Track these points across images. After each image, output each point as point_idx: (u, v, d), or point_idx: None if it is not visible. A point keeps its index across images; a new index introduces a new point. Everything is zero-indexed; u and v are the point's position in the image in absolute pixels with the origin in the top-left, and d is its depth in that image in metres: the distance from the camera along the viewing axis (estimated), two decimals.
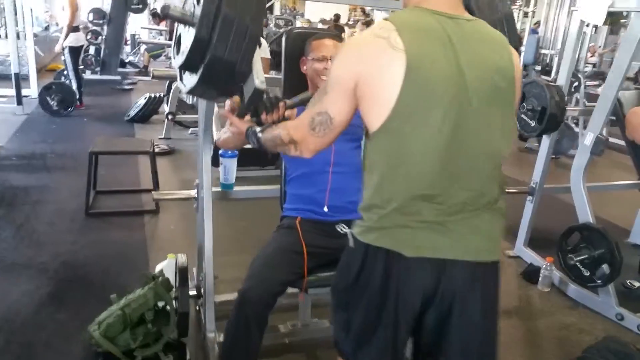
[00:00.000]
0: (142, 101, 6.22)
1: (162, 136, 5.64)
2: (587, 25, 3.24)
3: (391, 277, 1.23)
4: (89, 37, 7.19)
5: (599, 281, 2.76)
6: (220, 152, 2.44)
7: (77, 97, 6.54)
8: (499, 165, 1.27)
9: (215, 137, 2.38)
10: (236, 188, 2.53)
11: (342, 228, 1.47)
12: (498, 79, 1.21)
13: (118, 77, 8.49)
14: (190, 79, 1.49)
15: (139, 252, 3.15)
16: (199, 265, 2.51)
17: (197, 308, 2.55)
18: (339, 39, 2.12)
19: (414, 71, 1.13)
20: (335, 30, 5.63)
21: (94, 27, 8.27)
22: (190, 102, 6.44)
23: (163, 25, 9.75)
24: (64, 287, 2.72)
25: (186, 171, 4.71)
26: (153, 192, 2.52)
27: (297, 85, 2.16)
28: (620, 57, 2.63)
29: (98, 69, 8.39)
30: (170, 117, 5.51)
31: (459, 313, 1.24)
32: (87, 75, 7.26)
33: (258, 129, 1.54)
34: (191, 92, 1.52)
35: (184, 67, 1.50)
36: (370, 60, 1.16)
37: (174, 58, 1.60)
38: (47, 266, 2.88)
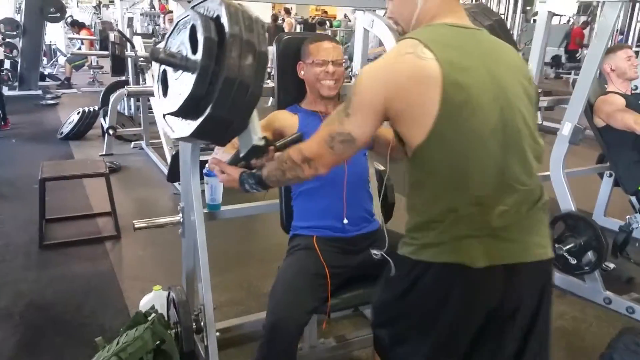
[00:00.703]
0: (75, 117, 5.79)
1: (104, 153, 5.30)
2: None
3: (453, 290, 1.21)
4: (2, 50, 6.66)
5: (587, 268, 2.82)
6: (205, 170, 2.25)
7: (1, 116, 6.00)
8: (540, 162, 1.29)
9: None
10: (223, 207, 2.35)
11: (375, 253, 1.41)
12: (523, 79, 1.27)
13: (39, 92, 7.93)
14: (181, 127, 1.40)
15: (110, 284, 2.90)
16: (188, 294, 2.30)
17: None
18: (335, 40, 2.03)
19: (449, 75, 1.13)
20: (275, 30, 5.47)
21: (8, 40, 7.70)
22: (128, 114, 6.12)
23: (84, 34, 9.19)
24: (36, 333, 2.44)
25: (138, 189, 4.45)
26: (134, 221, 2.28)
27: (292, 92, 2.06)
28: (595, 46, 2.68)
29: (16, 84, 7.85)
30: (111, 131, 5.17)
31: (523, 315, 1.26)
32: (5, 91, 6.72)
33: (253, 170, 1.50)
34: (181, 139, 1.48)
35: (182, 112, 1.38)
36: (401, 77, 1.16)
37: (159, 97, 1.48)
38: (10, 311, 2.59)
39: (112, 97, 5.24)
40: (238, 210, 2.40)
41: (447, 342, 1.26)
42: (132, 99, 5.99)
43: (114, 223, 3.53)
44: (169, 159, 4.67)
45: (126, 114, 6.15)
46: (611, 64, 2.98)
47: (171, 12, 4.70)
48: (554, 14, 2.85)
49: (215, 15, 1.33)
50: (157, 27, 9.54)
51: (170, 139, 4.79)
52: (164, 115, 1.47)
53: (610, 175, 3.53)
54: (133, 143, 5.61)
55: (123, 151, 5.47)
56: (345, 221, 1.90)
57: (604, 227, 2.97)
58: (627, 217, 3.08)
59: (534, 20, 11.30)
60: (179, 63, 1.33)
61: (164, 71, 1.44)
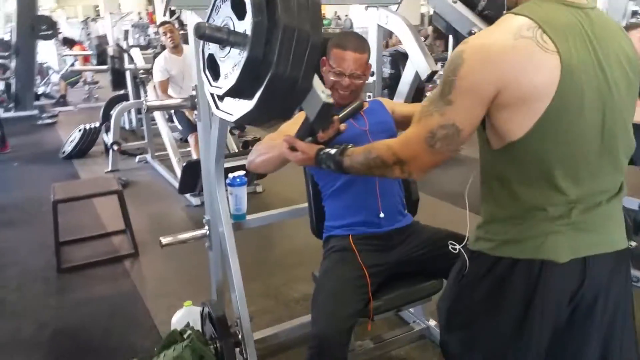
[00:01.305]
0: (76, 134, 5.74)
1: (109, 169, 5.24)
2: None
3: (538, 286, 1.15)
4: None
5: None
6: (227, 180, 2.21)
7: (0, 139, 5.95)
8: (628, 159, 1.21)
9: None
10: (249, 216, 2.30)
11: (452, 247, 1.33)
12: (629, 70, 1.15)
13: (35, 112, 7.85)
14: (240, 105, 1.30)
15: (135, 304, 2.85)
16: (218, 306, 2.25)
17: None
18: (362, 48, 1.85)
19: (568, 75, 1.04)
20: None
21: (0, 61, 7.62)
22: (130, 128, 6.07)
23: (77, 50, 9.11)
24: None
25: (149, 204, 4.39)
26: (161, 238, 2.23)
27: None
28: None
29: (12, 105, 7.77)
30: (115, 147, 5.11)
31: (603, 303, 1.20)
32: (1, 113, 6.65)
33: (333, 151, 1.41)
34: (242, 119, 1.31)
35: (232, 94, 1.29)
36: (520, 63, 1.04)
37: (210, 85, 1.38)
38: (37, 340, 2.54)
39: (114, 112, 5.19)
40: (264, 219, 2.36)
41: (532, 345, 1.21)
42: (132, 112, 5.93)
43: (130, 240, 3.48)
44: (177, 171, 4.64)
45: (127, 128, 6.08)
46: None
47: (165, 23, 4.64)
48: None
49: None
50: (147, 38, 9.45)
51: (178, 151, 4.76)
52: (219, 100, 1.37)
53: None
54: (138, 157, 5.56)
55: (129, 166, 5.42)
56: (382, 215, 1.87)
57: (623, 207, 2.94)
58: None
59: None
60: (227, 37, 1.23)
61: (210, 55, 1.35)
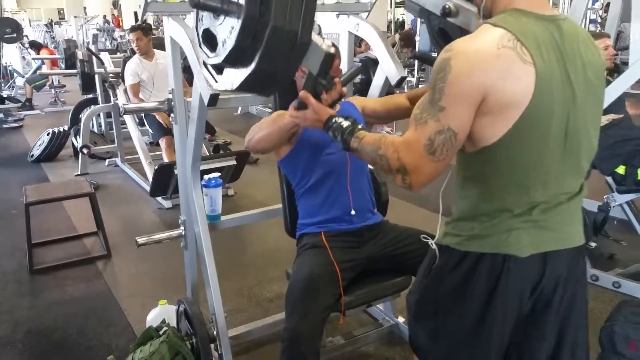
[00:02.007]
0: (45, 138, 5.67)
1: (79, 172, 5.20)
2: None
3: (500, 279, 1.23)
4: None
5: None
6: (203, 182, 2.27)
7: None
8: (589, 164, 1.30)
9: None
10: (224, 217, 2.36)
11: (424, 238, 1.41)
12: (593, 78, 1.22)
13: (0, 116, 7.70)
14: (240, 72, 1.29)
15: (109, 304, 2.87)
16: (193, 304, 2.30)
17: None
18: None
19: (541, 85, 1.11)
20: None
21: None
22: (99, 132, 6.03)
23: (44, 54, 8.96)
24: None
25: (120, 207, 4.39)
26: (137, 238, 2.27)
27: (293, 92, 2.03)
28: None
29: None
30: (85, 150, 5.08)
31: (561, 295, 1.28)
32: None
33: (345, 124, 1.38)
34: (244, 86, 1.30)
35: (231, 60, 1.28)
36: (503, 72, 1.09)
37: (208, 57, 1.36)
38: (11, 339, 2.54)
39: (84, 116, 5.16)
40: (239, 219, 2.42)
41: (494, 335, 1.29)
42: (101, 115, 5.89)
43: (102, 242, 3.49)
44: (148, 174, 4.65)
45: (97, 131, 6.04)
46: None
47: (135, 29, 4.65)
48: None
49: None
50: (116, 42, 9.37)
51: (149, 154, 4.77)
52: (218, 73, 1.39)
53: None
54: (107, 160, 5.53)
55: (98, 169, 5.39)
56: (353, 212, 1.95)
57: (584, 209, 3.10)
58: (604, 197, 3.22)
59: None
60: (221, 5, 1.24)
61: (205, 30, 1.35)
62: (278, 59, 1.25)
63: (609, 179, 3.20)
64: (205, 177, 2.30)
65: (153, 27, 10.52)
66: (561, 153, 1.19)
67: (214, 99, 1.73)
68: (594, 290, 2.89)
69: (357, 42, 4.80)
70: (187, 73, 2.12)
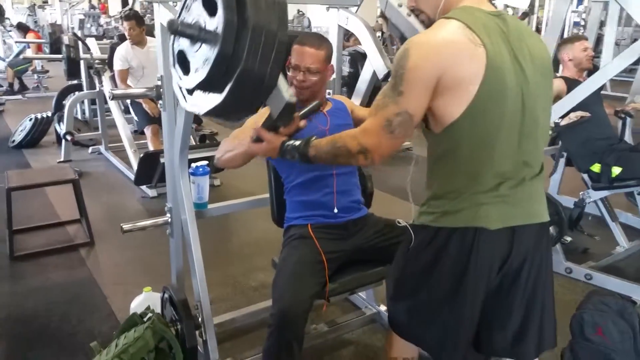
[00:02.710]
0: (27, 124, 5.60)
1: (62, 159, 5.16)
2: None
3: (472, 252, 1.33)
4: None
5: None
6: (190, 170, 2.29)
7: None
8: (546, 143, 1.41)
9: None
10: (210, 205, 2.39)
11: (399, 222, 1.50)
12: (542, 67, 1.37)
13: None
14: (209, 99, 1.36)
15: (92, 291, 2.88)
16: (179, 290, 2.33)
17: None
18: (319, 45, 1.96)
19: (491, 62, 1.24)
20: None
21: None
22: (83, 119, 5.99)
23: (31, 37, 8.81)
24: (22, 345, 2.42)
25: (104, 195, 4.37)
26: (122, 224, 2.28)
27: None
28: (547, 38, 2.88)
29: None
30: (68, 137, 5.04)
31: (528, 269, 1.39)
32: None
33: (298, 142, 1.50)
34: (211, 113, 1.38)
35: (202, 87, 1.37)
36: (454, 56, 1.23)
37: (180, 78, 1.45)
38: None
39: (68, 102, 5.11)
40: (225, 207, 2.44)
41: (467, 306, 1.37)
42: (85, 102, 5.85)
43: (86, 229, 3.49)
44: (132, 163, 4.63)
45: (80, 118, 5.98)
46: (569, 53, 3.19)
47: (129, 18, 4.60)
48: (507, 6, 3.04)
49: None
50: (102, 28, 9.26)
51: (134, 142, 4.76)
52: (188, 94, 1.44)
53: (562, 156, 3.76)
54: (91, 148, 5.49)
55: (82, 157, 5.35)
56: (336, 210, 2.00)
57: (561, 205, 3.18)
58: (580, 193, 3.31)
59: None
60: (198, 34, 1.31)
61: (180, 51, 1.41)
62: (245, 96, 1.34)
63: (585, 176, 3.29)
64: (193, 165, 2.32)
65: (141, 13, 10.43)
66: (519, 126, 1.31)
67: None
68: (567, 282, 2.99)
69: (346, 37, 4.82)
70: None
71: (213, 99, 1.35)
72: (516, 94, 1.29)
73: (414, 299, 1.44)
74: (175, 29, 1.33)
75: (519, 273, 1.38)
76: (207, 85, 1.34)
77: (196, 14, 1.35)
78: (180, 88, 1.46)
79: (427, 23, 1.42)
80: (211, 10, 1.28)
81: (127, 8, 12.54)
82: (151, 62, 4.53)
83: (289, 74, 1.97)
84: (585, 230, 3.54)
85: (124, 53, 4.57)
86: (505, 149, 1.30)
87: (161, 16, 2.01)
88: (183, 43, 1.40)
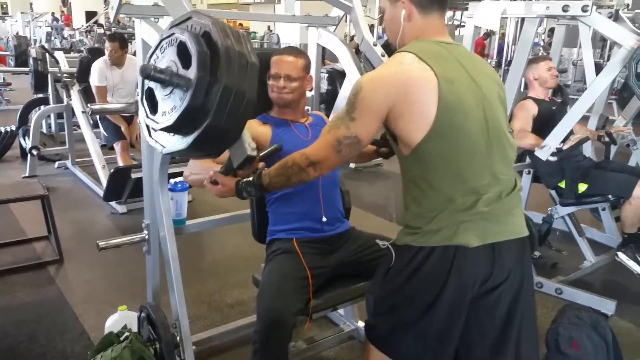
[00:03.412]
0: None
1: (27, 174, 5.02)
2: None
3: (452, 269, 1.36)
4: None
5: None
6: (169, 186, 2.27)
7: None
8: (515, 154, 1.50)
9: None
10: (188, 222, 2.37)
11: (382, 244, 1.54)
12: (496, 85, 1.49)
13: None
14: (173, 141, 1.41)
15: (62, 310, 2.79)
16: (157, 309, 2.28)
17: None
18: (296, 54, 2.04)
19: (444, 84, 1.33)
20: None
21: None
22: (49, 133, 5.85)
23: None
24: None
25: (71, 211, 4.27)
26: (99, 241, 2.23)
27: (260, 102, 2.07)
28: (518, 58, 2.98)
29: None
30: (34, 152, 4.91)
31: (509, 283, 1.43)
32: None
33: (250, 178, 1.56)
34: (174, 154, 1.44)
35: (168, 131, 1.41)
36: (405, 84, 1.34)
37: (147, 116, 1.47)
38: None
39: (34, 116, 4.99)
40: (204, 224, 2.43)
41: (445, 322, 1.40)
42: (52, 116, 5.72)
43: (54, 247, 3.40)
44: (101, 178, 4.54)
45: (46, 132, 5.84)
46: (534, 73, 3.30)
47: (113, 39, 4.45)
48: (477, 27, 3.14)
49: (202, 32, 1.36)
50: (71, 41, 9.08)
51: (103, 157, 4.67)
52: (153, 130, 1.45)
53: (529, 173, 3.86)
54: (57, 163, 5.36)
55: (47, 172, 5.22)
56: (324, 219, 2.01)
57: (531, 221, 3.27)
58: (549, 209, 3.41)
59: None
60: (170, 80, 1.35)
61: (149, 89, 1.45)
62: (208, 145, 1.41)
63: (553, 192, 3.39)
64: (171, 180, 2.30)
65: (105, 26, 10.30)
66: (486, 142, 1.38)
67: None
68: (538, 296, 2.96)
69: (325, 55, 4.88)
70: None
71: (177, 142, 1.40)
72: (477, 110, 1.37)
73: (394, 315, 1.48)
74: (148, 74, 1.36)
75: (499, 287, 1.42)
76: (173, 129, 1.39)
77: (170, 59, 1.39)
78: (147, 124, 1.49)
79: (392, 46, 1.56)
80: (185, 62, 1.33)
81: (92, 21, 12.40)
82: (125, 83, 4.48)
83: (269, 82, 2.01)
84: (553, 246, 3.65)
85: (104, 69, 4.45)
86: (475, 165, 1.37)
87: (143, 32, 2.00)
88: (153, 83, 1.43)
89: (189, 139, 1.35)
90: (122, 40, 4.50)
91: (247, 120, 1.39)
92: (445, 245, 1.36)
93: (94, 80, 4.47)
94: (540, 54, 10.46)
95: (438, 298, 1.38)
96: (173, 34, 1.41)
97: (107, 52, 4.47)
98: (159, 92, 1.41)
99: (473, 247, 1.36)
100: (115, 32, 4.49)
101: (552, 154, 2.98)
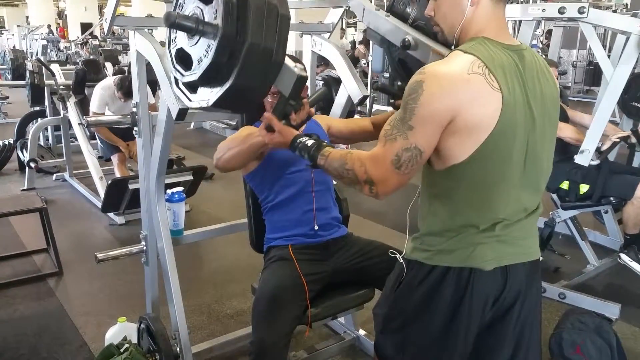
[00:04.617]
0: None
1: (25, 187, 5.02)
2: None
3: (466, 292, 1.30)
4: None
5: None
6: (166, 196, 2.26)
7: None
8: (546, 183, 1.40)
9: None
10: (185, 232, 2.35)
11: (392, 253, 1.48)
12: (550, 106, 1.33)
13: None
14: (214, 91, 1.31)
15: (62, 322, 2.78)
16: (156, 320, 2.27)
17: None
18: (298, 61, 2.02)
19: (506, 109, 1.19)
20: None
21: None
22: (46, 146, 5.85)
23: None
24: None
25: (70, 223, 4.26)
26: (97, 253, 2.22)
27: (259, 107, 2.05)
28: None
29: None
30: (32, 164, 4.90)
31: (520, 305, 1.36)
32: None
33: (310, 142, 1.43)
34: (220, 101, 1.31)
35: (205, 78, 1.31)
36: (471, 97, 1.17)
37: (182, 75, 1.38)
38: None
39: (31, 129, 4.99)
40: (202, 234, 2.41)
41: (458, 344, 1.35)
42: (49, 129, 5.72)
43: (54, 259, 3.38)
44: (99, 189, 4.54)
45: (44, 145, 5.84)
46: None
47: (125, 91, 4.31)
48: None
49: None
50: (67, 53, 9.10)
51: (100, 169, 4.66)
52: (192, 92, 1.39)
53: None
54: (55, 175, 5.35)
55: (45, 184, 5.21)
56: (316, 227, 1.99)
57: None
58: (550, 213, 3.38)
59: None
60: (196, 26, 1.26)
61: (179, 49, 1.36)
62: (254, 77, 1.28)
63: (554, 196, 3.37)
64: (168, 191, 2.29)
65: (100, 38, 10.32)
66: (521, 173, 1.28)
67: (182, 113, 1.73)
68: (542, 302, 3.01)
69: (319, 62, 4.87)
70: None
71: (220, 89, 1.29)
72: (523, 140, 1.25)
73: (403, 335, 1.42)
74: (173, 21, 1.26)
75: (510, 310, 1.36)
76: (213, 73, 1.29)
77: (192, 6, 1.31)
78: (181, 88, 1.41)
79: (441, 37, 1.38)
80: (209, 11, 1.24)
81: (87, 33, 12.43)
82: (126, 111, 4.37)
83: (269, 100, 1.97)
84: (556, 250, 3.62)
85: (104, 95, 4.36)
86: (506, 194, 1.28)
87: (137, 43, 1.99)
88: (181, 41, 1.35)
89: (232, 76, 1.26)
90: (127, 93, 4.17)
91: (287, 35, 1.27)
92: (460, 267, 1.30)
93: (93, 107, 4.38)
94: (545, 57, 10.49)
95: (452, 320, 1.33)
96: None
97: (117, 95, 4.34)
98: (188, 44, 1.33)
99: (487, 270, 1.29)
100: (123, 82, 4.25)
101: (593, 158, 2.89)
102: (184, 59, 1.36)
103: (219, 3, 1.20)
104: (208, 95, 1.33)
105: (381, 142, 1.26)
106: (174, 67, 1.40)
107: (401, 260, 1.40)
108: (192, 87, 1.40)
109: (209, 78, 1.30)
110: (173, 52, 1.40)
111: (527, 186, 1.32)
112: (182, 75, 1.37)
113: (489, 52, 1.23)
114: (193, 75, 1.32)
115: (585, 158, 2.82)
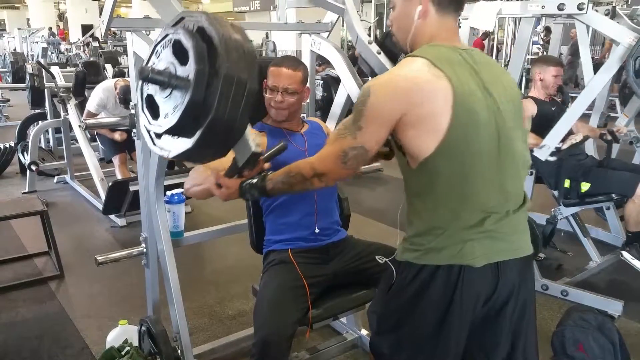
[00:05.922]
0: None
1: (26, 190, 5.02)
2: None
3: (456, 289, 1.31)
4: None
5: None
6: (165, 198, 2.25)
7: None
8: (527, 171, 1.43)
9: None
10: (186, 234, 2.35)
11: (380, 259, 1.48)
12: (513, 96, 1.38)
13: None
14: (178, 143, 1.36)
15: (64, 325, 2.78)
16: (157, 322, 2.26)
17: None
18: (295, 66, 1.98)
19: (459, 98, 1.24)
20: None
21: None
22: (47, 148, 5.86)
23: None
24: None
25: (71, 226, 4.25)
26: (97, 256, 2.21)
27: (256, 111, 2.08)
28: (515, 57, 2.96)
29: None
30: (33, 167, 4.90)
31: (514, 302, 1.37)
32: None
33: (254, 180, 1.52)
34: (180, 156, 1.38)
35: (171, 132, 1.36)
36: (416, 94, 1.25)
37: (149, 123, 1.41)
38: None
39: (32, 131, 4.99)
40: (202, 235, 2.41)
41: (451, 342, 1.35)
42: (50, 131, 5.72)
43: (55, 262, 3.38)
44: (100, 191, 4.53)
45: (45, 147, 5.84)
46: (541, 74, 3.28)
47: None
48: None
49: (196, 28, 1.31)
50: (67, 55, 9.11)
51: (101, 171, 4.66)
52: (156, 137, 1.40)
53: (531, 173, 3.83)
54: (56, 177, 5.34)
55: (47, 187, 5.21)
56: (317, 231, 1.99)
57: (534, 222, 3.24)
58: (552, 210, 3.37)
59: None
60: (169, 81, 1.31)
61: (149, 96, 1.39)
62: (214, 142, 1.35)
63: (556, 193, 3.36)
64: (168, 193, 2.28)
65: (102, 40, 10.33)
66: (497, 160, 1.30)
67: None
68: (544, 299, 3.02)
69: (318, 61, 4.87)
70: None
71: (182, 144, 1.35)
72: (490, 125, 1.29)
73: (397, 334, 1.42)
74: (146, 75, 1.33)
75: (504, 306, 1.36)
76: (177, 130, 1.34)
77: (167, 61, 1.35)
78: (149, 131, 1.44)
79: (398, 46, 1.49)
80: (182, 59, 1.30)
81: (88, 35, 12.44)
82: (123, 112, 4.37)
83: (267, 95, 1.97)
84: (558, 247, 3.62)
85: (103, 98, 4.34)
86: (485, 183, 1.30)
87: (135, 45, 1.98)
88: (152, 88, 1.39)
89: (194, 137, 1.30)
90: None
91: (250, 111, 1.32)
92: (449, 265, 1.30)
93: (91, 107, 4.37)
94: (540, 53, 10.49)
95: (443, 317, 1.33)
96: (167, 35, 1.36)
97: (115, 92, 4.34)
98: (159, 96, 1.37)
99: (479, 267, 1.30)
100: (126, 95, 4.10)
101: (551, 154, 2.95)
102: (152, 106, 1.40)
103: (191, 69, 1.25)
104: (170, 146, 1.38)
105: (331, 140, 1.37)
106: (142, 112, 1.43)
107: (390, 264, 1.42)
108: (157, 134, 1.42)
109: (173, 134, 1.35)
110: (144, 95, 1.42)
111: (507, 173, 1.33)
112: (149, 122, 1.41)
113: (437, 52, 1.31)
114: (159, 127, 1.37)
115: (543, 152, 2.95)
